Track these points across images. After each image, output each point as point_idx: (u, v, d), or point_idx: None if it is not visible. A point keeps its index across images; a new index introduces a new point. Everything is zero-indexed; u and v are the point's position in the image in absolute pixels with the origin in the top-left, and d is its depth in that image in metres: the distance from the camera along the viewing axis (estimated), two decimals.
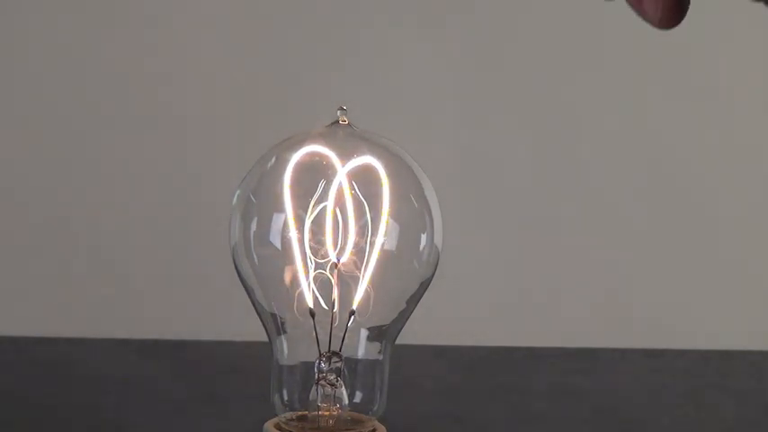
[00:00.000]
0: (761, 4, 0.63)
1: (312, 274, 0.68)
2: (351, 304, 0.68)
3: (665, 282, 1.49)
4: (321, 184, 0.68)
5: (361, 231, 0.68)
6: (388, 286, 0.69)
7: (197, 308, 1.46)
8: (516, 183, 1.45)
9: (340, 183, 0.67)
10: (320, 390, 0.69)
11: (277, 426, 0.69)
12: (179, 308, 1.47)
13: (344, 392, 0.69)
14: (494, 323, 1.48)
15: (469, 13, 1.52)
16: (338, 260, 0.68)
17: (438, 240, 0.70)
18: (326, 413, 0.69)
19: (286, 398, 0.70)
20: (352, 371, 0.70)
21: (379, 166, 0.68)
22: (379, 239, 0.67)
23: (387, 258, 0.68)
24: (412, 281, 0.69)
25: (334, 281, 0.68)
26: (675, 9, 0.64)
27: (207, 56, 1.49)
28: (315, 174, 0.68)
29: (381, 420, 0.71)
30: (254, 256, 0.68)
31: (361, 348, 0.70)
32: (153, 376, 1.14)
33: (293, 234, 0.67)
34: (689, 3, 0.64)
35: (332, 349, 0.69)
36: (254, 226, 0.69)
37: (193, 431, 0.97)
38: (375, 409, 0.71)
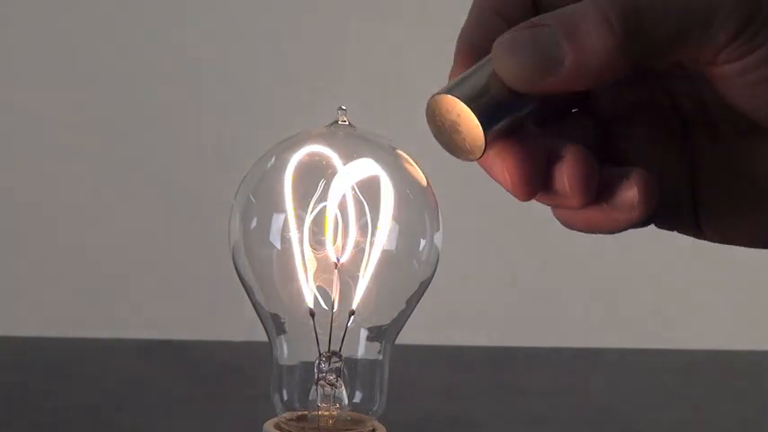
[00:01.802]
0: None
1: (312, 274, 0.68)
2: (351, 304, 0.68)
3: (665, 282, 1.49)
4: (321, 184, 0.68)
5: (362, 231, 0.68)
6: (388, 286, 0.69)
7: (197, 308, 1.46)
8: None
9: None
10: (320, 390, 0.69)
11: (277, 426, 0.69)
12: (179, 308, 1.47)
13: (344, 392, 0.69)
14: (494, 323, 1.48)
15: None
16: (338, 260, 0.68)
17: (438, 240, 0.70)
18: (326, 413, 0.69)
19: (286, 398, 0.70)
20: (352, 371, 0.70)
21: (379, 167, 0.68)
22: (379, 239, 0.67)
23: (387, 258, 0.68)
24: (412, 281, 0.69)
25: (334, 281, 0.68)
26: (527, 181, 0.55)
27: (207, 56, 1.49)
28: (315, 174, 0.68)
29: (381, 420, 0.71)
30: (254, 256, 0.68)
31: (361, 348, 0.70)
32: (153, 376, 1.14)
33: (293, 234, 0.67)
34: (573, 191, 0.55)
35: (332, 349, 0.69)
36: (253, 226, 0.69)
37: (193, 431, 0.97)
38: (375, 408, 0.71)
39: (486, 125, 0.54)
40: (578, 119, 0.59)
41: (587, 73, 0.52)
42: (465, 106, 0.54)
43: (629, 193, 0.54)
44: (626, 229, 0.56)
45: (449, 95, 0.55)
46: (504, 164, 0.55)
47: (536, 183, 0.55)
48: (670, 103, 0.59)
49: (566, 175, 0.55)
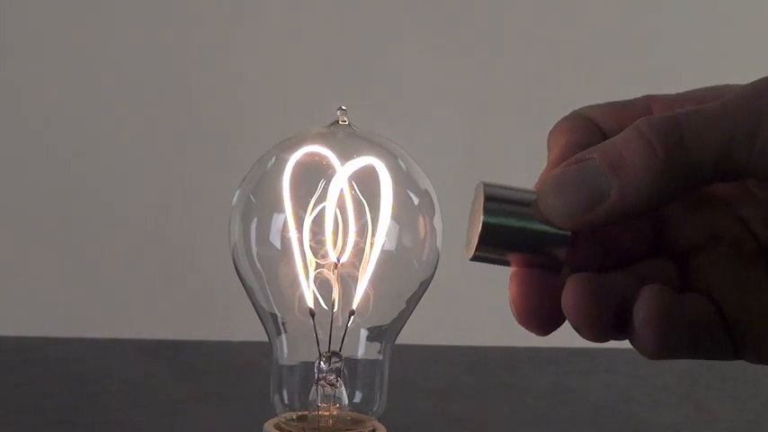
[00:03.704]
0: None
1: (312, 274, 0.68)
2: (351, 304, 0.68)
3: None
4: (321, 184, 0.68)
5: (361, 231, 0.68)
6: (388, 286, 0.69)
7: (197, 308, 1.46)
8: (516, 182, 1.45)
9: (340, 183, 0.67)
10: (320, 390, 0.69)
11: (277, 426, 0.69)
12: (179, 308, 1.47)
13: (344, 392, 0.69)
14: (494, 323, 1.48)
15: (469, 13, 1.52)
16: (338, 260, 0.68)
17: (438, 240, 0.70)
18: (326, 413, 0.69)
19: (286, 398, 0.70)
20: (352, 371, 0.70)
21: (379, 167, 0.68)
22: (379, 239, 0.67)
23: (387, 258, 0.68)
24: (412, 281, 0.69)
25: (334, 281, 0.68)
26: (524, 312, 0.55)
27: (207, 56, 1.49)
28: (315, 174, 0.68)
29: (381, 420, 0.71)
30: (254, 256, 0.68)
31: (361, 348, 0.70)
32: (153, 376, 1.14)
33: (293, 234, 0.67)
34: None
35: (332, 349, 0.69)
36: (253, 226, 0.69)
37: (193, 431, 0.97)
38: (375, 408, 0.71)
39: (483, 241, 0.54)
40: (653, 257, 0.57)
41: (633, 202, 0.52)
42: (482, 214, 0.54)
43: (639, 334, 0.53)
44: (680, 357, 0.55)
45: (483, 194, 0.54)
46: (510, 288, 0.55)
47: (535, 317, 0.55)
48: (744, 229, 0.56)
49: (565, 305, 0.54)
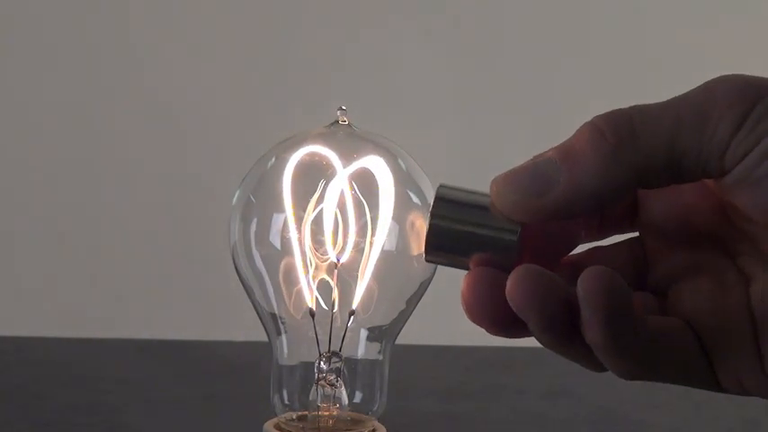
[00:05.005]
0: None
1: (312, 274, 0.68)
2: (351, 304, 0.68)
3: None
4: (321, 185, 0.68)
5: (362, 231, 0.68)
6: (388, 286, 0.69)
7: (197, 308, 1.46)
8: None
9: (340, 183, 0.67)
10: (320, 390, 0.69)
11: (277, 426, 0.69)
12: (179, 308, 1.47)
13: (344, 392, 0.69)
14: None
15: (469, 13, 1.52)
16: (338, 260, 0.68)
17: None
18: (326, 413, 0.69)
19: (286, 398, 0.70)
20: (352, 371, 0.70)
21: (379, 166, 0.68)
22: (380, 239, 0.67)
23: (387, 258, 0.68)
24: (412, 281, 0.69)
25: (333, 281, 0.68)
26: (468, 308, 0.55)
27: (207, 56, 1.49)
28: (315, 174, 0.68)
29: (381, 420, 0.71)
30: (254, 256, 0.68)
31: (361, 348, 0.70)
32: (153, 376, 1.14)
33: (293, 234, 0.67)
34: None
35: (332, 349, 0.69)
36: (253, 226, 0.69)
37: (193, 431, 0.97)
38: (375, 409, 0.71)
39: (431, 242, 0.55)
40: (635, 291, 0.56)
41: (582, 186, 0.52)
42: (429, 215, 0.55)
43: (585, 321, 0.52)
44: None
45: (436, 195, 0.55)
46: (462, 285, 0.55)
47: (485, 312, 0.55)
48: (729, 262, 0.56)
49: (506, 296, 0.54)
